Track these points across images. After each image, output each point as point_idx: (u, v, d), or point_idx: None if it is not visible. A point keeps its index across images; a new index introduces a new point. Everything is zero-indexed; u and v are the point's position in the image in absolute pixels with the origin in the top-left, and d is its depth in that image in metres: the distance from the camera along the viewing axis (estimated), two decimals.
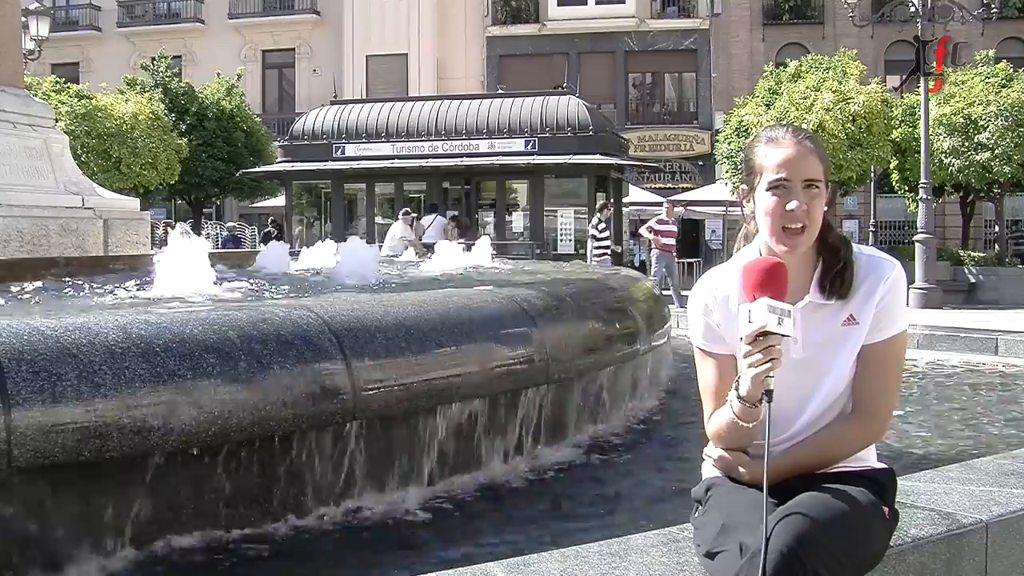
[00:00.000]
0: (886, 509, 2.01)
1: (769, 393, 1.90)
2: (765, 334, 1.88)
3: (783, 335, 1.89)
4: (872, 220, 25.28)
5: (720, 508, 1.99)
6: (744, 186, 2.13)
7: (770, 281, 1.91)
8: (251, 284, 5.56)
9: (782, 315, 1.88)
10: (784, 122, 2.19)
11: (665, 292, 12.83)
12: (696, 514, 2.12)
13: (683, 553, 2.11)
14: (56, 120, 7.64)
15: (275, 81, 34.68)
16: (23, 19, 14.76)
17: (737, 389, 1.98)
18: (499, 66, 31.72)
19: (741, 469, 2.07)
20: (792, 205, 1.99)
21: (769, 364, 1.89)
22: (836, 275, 2.04)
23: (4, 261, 5.68)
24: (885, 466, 2.14)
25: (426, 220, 19.03)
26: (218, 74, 27.08)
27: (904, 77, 20.63)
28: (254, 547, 3.02)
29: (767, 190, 2.03)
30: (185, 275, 4.79)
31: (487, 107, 22.07)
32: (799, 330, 1.97)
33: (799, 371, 2.03)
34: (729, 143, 21.00)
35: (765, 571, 1.70)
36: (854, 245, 2.10)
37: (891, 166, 20.95)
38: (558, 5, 31.23)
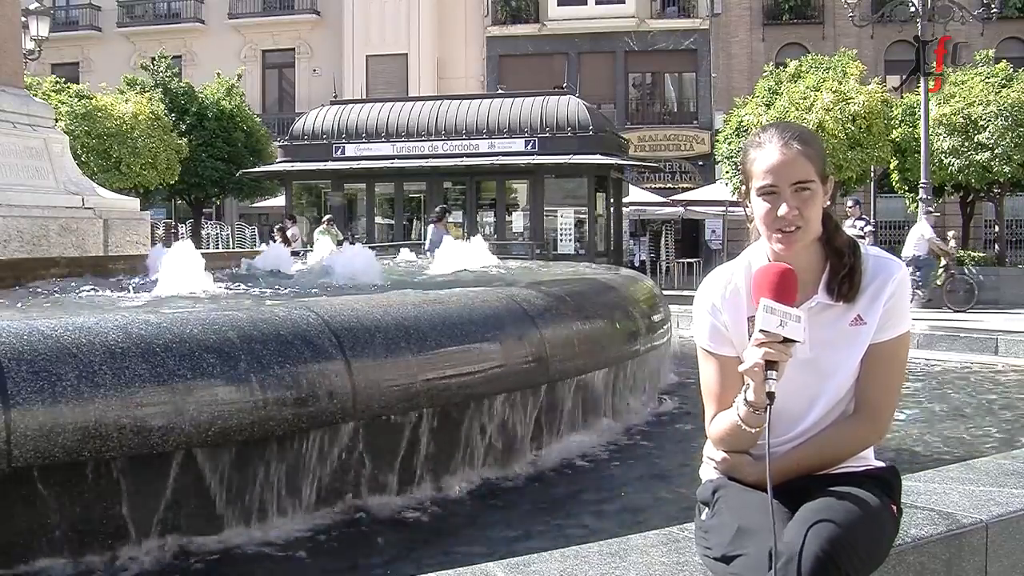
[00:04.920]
0: (894, 507, 2.03)
1: (771, 396, 1.90)
2: (768, 336, 1.88)
3: (791, 339, 1.88)
4: (872, 220, 25.26)
5: (732, 511, 1.97)
6: (743, 187, 2.14)
7: (779, 287, 1.91)
8: None
9: (785, 318, 1.88)
10: (774, 122, 2.14)
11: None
12: (703, 516, 2.09)
13: (683, 553, 2.11)
14: (56, 120, 7.64)
15: (275, 81, 34.68)
16: (23, 19, 14.76)
17: (745, 394, 1.98)
18: (499, 66, 31.72)
19: (747, 470, 2.07)
20: (782, 211, 1.98)
21: (762, 368, 1.89)
22: (844, 278, 2.03)
23: (4, 261, 5.68)
24: (889, 464, 2.15)
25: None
26: (218, 74, 27.07)
27: (904, 77, 20.67)
28: None
29: (758, 196, 2.03)
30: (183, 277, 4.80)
31: (487, 107, 22.08)
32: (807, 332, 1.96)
33: (806, 371, 2.02)
34: (729, 143, 21.01)
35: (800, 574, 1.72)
36: (861, 245, 2.09)
37: (891, 166, 20.96)
38: (558, 5, 31.23)
